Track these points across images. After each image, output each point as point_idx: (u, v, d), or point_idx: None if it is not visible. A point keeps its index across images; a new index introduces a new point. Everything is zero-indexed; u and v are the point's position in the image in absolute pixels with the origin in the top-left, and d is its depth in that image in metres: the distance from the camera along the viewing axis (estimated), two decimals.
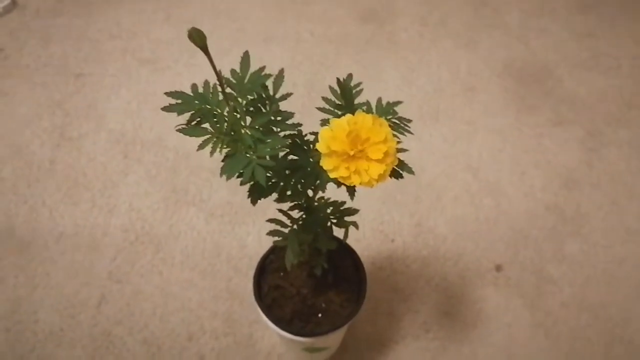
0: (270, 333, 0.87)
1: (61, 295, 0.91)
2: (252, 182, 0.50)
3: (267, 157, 0.43)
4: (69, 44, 1.26)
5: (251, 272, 0.77)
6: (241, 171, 0.43)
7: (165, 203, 1.01)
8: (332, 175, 0.42)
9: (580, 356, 0.85)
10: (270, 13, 1.26)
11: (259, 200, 0.51)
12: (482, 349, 0.86)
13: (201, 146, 0.44)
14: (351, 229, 0.62)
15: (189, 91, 0.46)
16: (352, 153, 0.42)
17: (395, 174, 0.47)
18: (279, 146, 0.43)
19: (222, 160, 0.45)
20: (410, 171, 0.46)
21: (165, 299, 0.91)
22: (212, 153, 0.44)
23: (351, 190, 0.46)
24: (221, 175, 0.44)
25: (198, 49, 0.41)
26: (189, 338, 0.87)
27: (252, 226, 0.98)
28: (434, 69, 1.21)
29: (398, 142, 0.45)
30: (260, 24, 1.25)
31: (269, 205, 0.60)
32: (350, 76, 0.48)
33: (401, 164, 0.46)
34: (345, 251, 0.75)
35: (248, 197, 0.52)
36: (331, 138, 0.41)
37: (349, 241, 0.71)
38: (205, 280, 0.93)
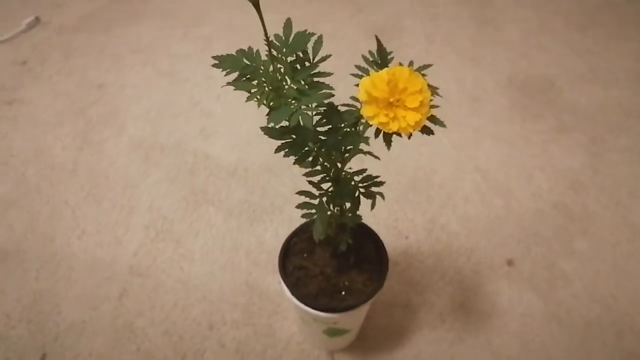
0: (289, 323, 0.89)
1: (83, 288, 0.93)
2: (286, 148, 0.54)
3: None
4: (91, 57, 1.32)
5: (269, 267, 0.80)
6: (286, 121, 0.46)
7: (184, 202, 1.04)
8: (372, 122, 0.46)
9: (593, 343, 0.87)
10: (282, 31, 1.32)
11: (293, 159, 0.55)
12: (497, 338, 0.88)
13: (249, 98, 0.47)
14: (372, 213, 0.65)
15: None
16: (391, 100, 0.45)
17: (426, 131, 0.50)
18: (322, 98, 0.47)
19: (267, 115, 0.49)
20: (442, 124, 0.50)
21: (186, 292, 0.93)
22: (259, 105, 0.47)
23: (388, 139, 0.49)
24: (268, 123, 0.47)
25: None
26: (210, 327, 0.89)
27: (270, 224, 1.01)
28: (440, 81, 1.27)
29: (431, 100, 0.49)
30: None
31: (286, 203, 0.63)
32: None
33: (433, 118, 0.49)
34: (366, 233, 0.78)
35: (285, 155, 0.55)
36: (371, 86, 0.45)
37: None
38: (224, 274, 0.95)
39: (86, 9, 1.44)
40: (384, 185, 0.62)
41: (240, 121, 1.15)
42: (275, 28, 0.52)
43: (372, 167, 0.63)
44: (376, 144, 0.52)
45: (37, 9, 1.42)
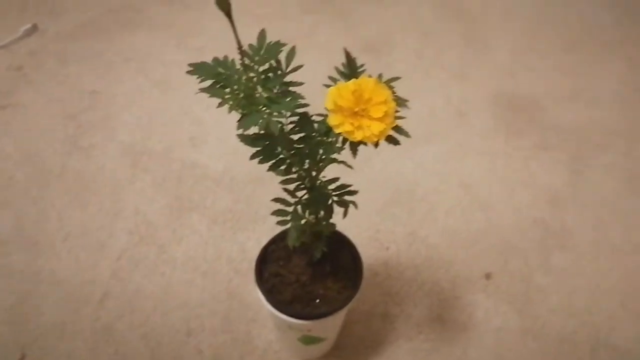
0: (267, 331, 0.90)
1: (65, 291, 0.94)
2: (259, 149, 0.55)
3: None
4: (86, 64, 1.34)
5: (251, 274, 0.81)
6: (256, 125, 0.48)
7: (169, 209, 1.06)
8: (337, 130, 0.48)
9: (567, 359, 0.88)
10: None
11: (265, 164, 0.56)
12: (472, 350, 0.89)
13: (221, 104, 0.49)
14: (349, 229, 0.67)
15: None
16: (356, 110, 0.47)
17: (392, 141, 0.52)
18: (291, 106, 0.49)
19: (238, 121, 0.51)
20: (407, 135, 0.51)
21: (167, 297, 0.94)
22: (230, 110, 0.49)
23: (354, 148, 0.51)
24: (237, 129, 0.49)
25: None
26: (188, 334, 0.89)
27: (253, 232, 1.02)
28: (428, 96, 1.29)
29: (396, 111, 0.51)
30: None
31: (270, 213, 0.65)
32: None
33: (398, 128, 0.51)
34: (342, 242, 0.79)
35: (259, 162, 0.56)
36: (338, 95, 0.47)
37: None
38: (205, 281, 0.96)
39: (83, 18, 1.47)
40: (367, 196, 0.64)
41: (229, 131, 1.16)
42: (270, 39, 0.54)
43: (356, 178, 0.65)
44: (361, 155, 0.53)
45: (35, 17, 1.45)
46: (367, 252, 1.00)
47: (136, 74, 1.32)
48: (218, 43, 1.41)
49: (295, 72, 0.54)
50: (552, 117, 1.26)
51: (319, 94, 0.53)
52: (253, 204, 1.07)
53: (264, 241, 0.79)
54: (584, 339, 0.90)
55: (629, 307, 0.94)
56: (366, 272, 0.81)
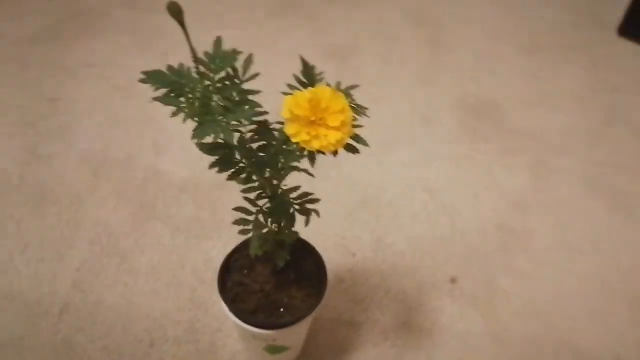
0: (233, 341, 0.89)
1: (23, 304, 0.91)
2: (218, 157, 0.54)
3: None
4: (45, 70, 1.31)
5: (215, 284, 0.80)
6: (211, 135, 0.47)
7: (132, 218, 1.04)
8: (294, 139, 0.47)
9: None
10: (240, 47, 1.33)
11: (225, 173, 0.55)
12: (437, 355, 0.89)
13: (175, 113, 0.48)
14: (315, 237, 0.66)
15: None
16: (313, 118, 0.47)
17: (351, 149, 0.52)
18: (247, 115, 0.48)
19: (194, 130, 0.50)
20: (365, 144, 0.51)
21: (129, 309, 0.92)
22: (184, 120, 0.48)
23: (312, 157, 0.51)
24: (192, 138, 0.48)
25: None
26: (151, 344, 0.88)
27: (218, 240, 1.01)
28: (393, 101, 1.30)
29: (354, 120, 0.50)
30: None
31: (234, 219, 0.64)
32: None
33: (356, 137, 0.51)
34: (306, 249, 0.79)
35: (217, 171, 0.56)
36: (294, 104, 0.46)
37: None
38: (169, 291, 0.94)
39: (43, 23, 1.43)
40: (333, 202, 0.63)
41: None
42: (233, 45, 0.53)
43: (321, 185, 0.65)
44: (327, 162, 0.53)
45: None
46: (333, 258, 1.00)
47: (98, 79, 1.30)
48: (182, 48, 1.40)
49: (258, 79, 0.53)
50: (514, 121, 1.28)
51: (281, 100, 0.52)
52: (218, 212, 1.06)
53: (229, 249, 0.78)
54: (547, 341, 0.91)
55: (590, 307, 0.96)
56: (332, 279, 0.81)
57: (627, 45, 1.54)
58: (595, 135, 1.27)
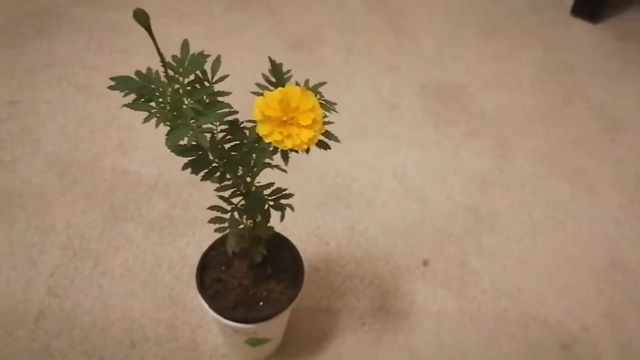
0: (214, 336, 0.90)
1: None
2: (193, 157, 0.55)
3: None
4: (1, 73, 1.27)
5: (192, 281, 0.80)
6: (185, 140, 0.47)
7: (103, 220, 1.03)
8: (267, 140, 0.48)
9: (502, 336, 0.93)
10: (202, 43, 1.32)
11: (200, 174, 0.56)
12: (414, 337, 0.92)
13: (146, 119, 0.48)
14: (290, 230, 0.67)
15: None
16: (284, 119, 0.48)
17: (323, 146, 0.53)
18: (219, 117, 0.49)
19: (167, 135, 0.50)
20: (336, 139, 0.52)
21: (106, 311, 0.91)
22: (157, 125, 0.49)
23: (285, 156, 0.52)
24: (166, 144, 0.48)
25: None
26: (132, 345, 0.88)
27: (192, 237, 1.01)
28: (359, 90, 1.31)
29: (325, 117, 0.52)
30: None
31: (208, 216, 0.65)
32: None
33: (328, 133, 0.52)
34: (282, 243, 0.80)
35: (191, 172, 0.56)
36: (265, 105, 0.47)
37: None
38: (146, 291, 0.94)
39: None
40: (305, 193, 0.64)
41: (161, 135, 1.14)
42: (195, 40, 0.53)
43: (293, 176, 0.65)
44: (300, 154, 0.53)
45: None
46: (308, 248, 1.01)
47: (58, 80, 1.27)
48: (142, 45, 1.37)
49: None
50: (477, 104, 1.31)
51: (248, 96, 0.53)
52: (190, 208, 1.06)
53: (205, 245, 0.79)
54: (516, 316, 0.95)
55: (555, 282, 1.01)
56: (308, 269, 0.82)
57: (581, 25, 1.59)
58: (555, 114, 1.32)
